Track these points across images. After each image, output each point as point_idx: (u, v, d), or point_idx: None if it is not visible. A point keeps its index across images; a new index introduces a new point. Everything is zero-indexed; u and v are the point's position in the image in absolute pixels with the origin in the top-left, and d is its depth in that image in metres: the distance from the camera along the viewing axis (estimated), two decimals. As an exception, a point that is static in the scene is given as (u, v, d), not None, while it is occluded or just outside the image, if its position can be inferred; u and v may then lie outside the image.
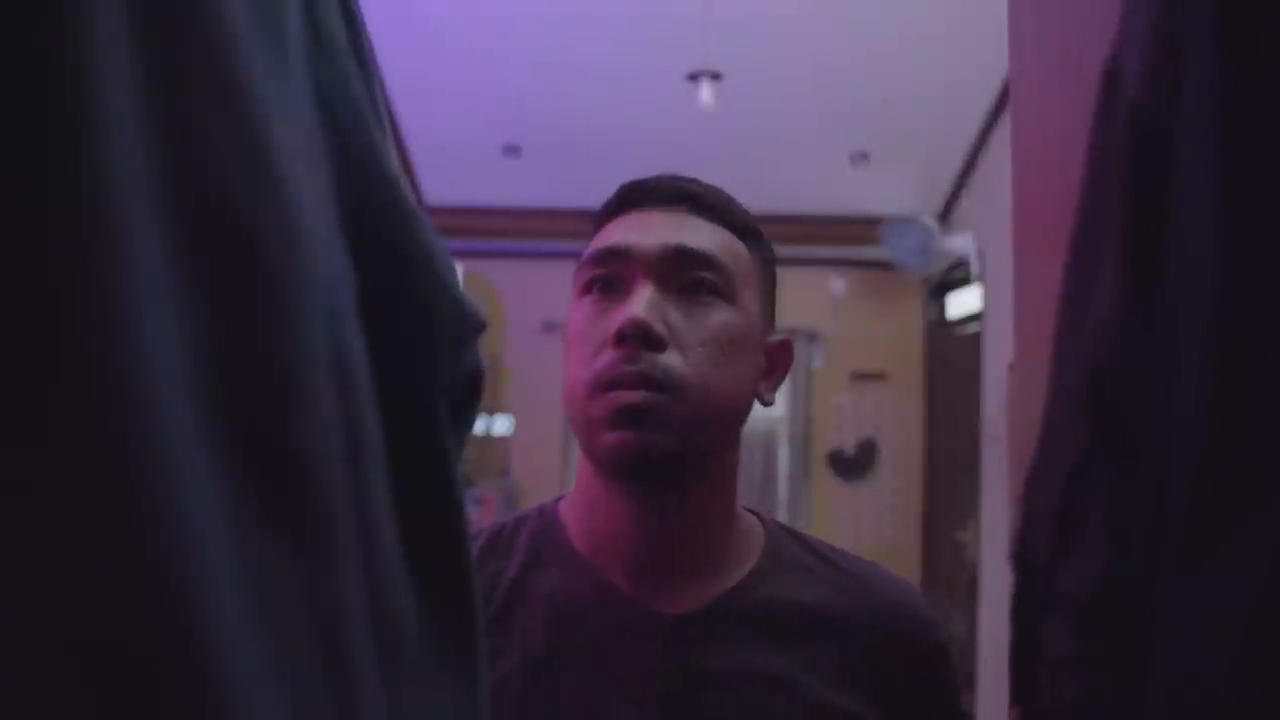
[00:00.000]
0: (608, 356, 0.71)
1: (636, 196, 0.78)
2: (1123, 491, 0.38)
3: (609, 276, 0.75)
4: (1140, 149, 0.40)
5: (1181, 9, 0.38)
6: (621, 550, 0.75)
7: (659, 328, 0.71)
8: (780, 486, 5.05)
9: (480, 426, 5.04)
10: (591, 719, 0.72)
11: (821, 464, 5.06)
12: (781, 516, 3.62)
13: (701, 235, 0.75)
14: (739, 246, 0.77)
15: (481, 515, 4.21)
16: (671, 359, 0.71)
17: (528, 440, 4.94)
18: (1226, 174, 0.35)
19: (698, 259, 0.74)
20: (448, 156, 4.30)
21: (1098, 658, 0.39)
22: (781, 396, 5.05)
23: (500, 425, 5.06)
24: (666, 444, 0.70)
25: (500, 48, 3.59)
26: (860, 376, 5.07)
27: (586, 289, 0.77)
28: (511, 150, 4.23)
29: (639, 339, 0.70)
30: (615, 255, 0.75)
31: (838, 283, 5.05)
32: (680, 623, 0.73)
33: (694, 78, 3.39)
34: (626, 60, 3.61)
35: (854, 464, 5.05)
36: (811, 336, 5.07)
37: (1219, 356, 0.35)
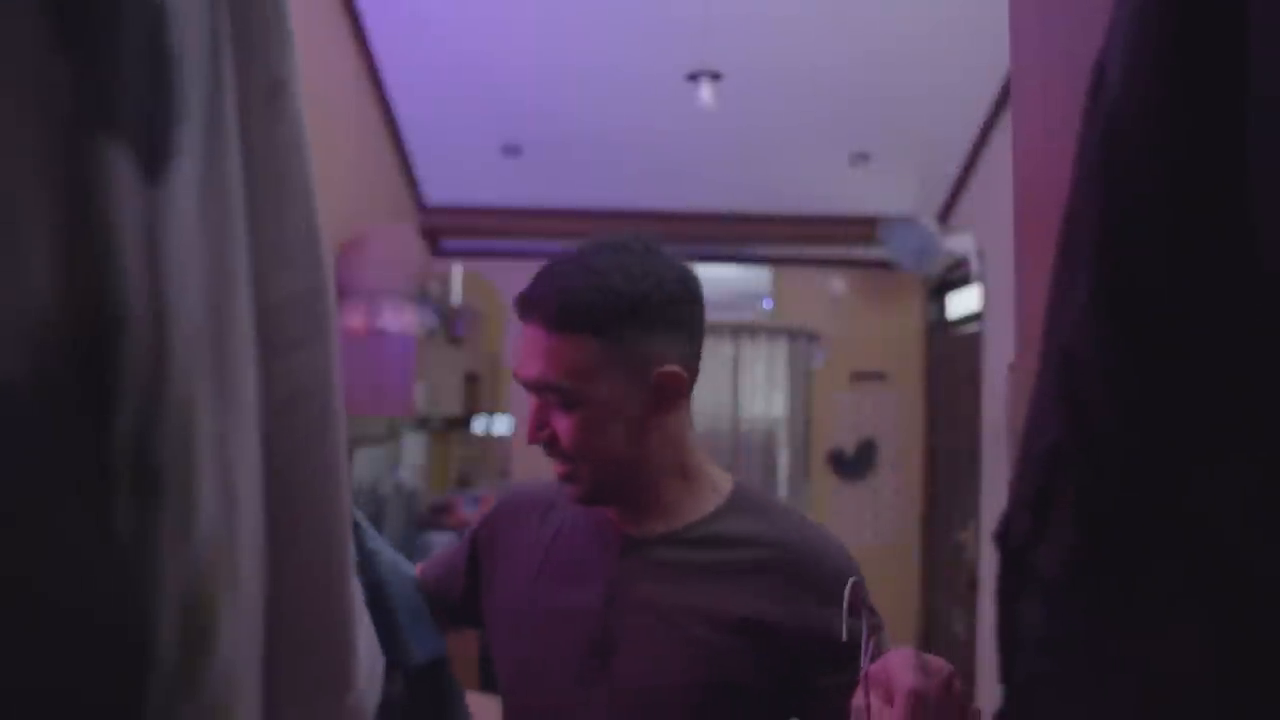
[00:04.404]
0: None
1: (524, 309, 1.01)
2: (1087, 478, 0.40)
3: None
4: (1115, 149, 0.41)
5: (1158, 13, 0.39)
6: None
7: (543, 434, 1.01)
8: (780, 486, 5.05)
9: (480, 426, 5.04)
10: (569, 594, 1.05)
11: (821, 464, 5.06)
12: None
13: (554, 360, 0.98)
14: (590, 347, 0.98)
15: (480, 516, 4.19)
16: (559, 448, 1.01)
17: (528, 440, 4.94)
18: (1191, 177, 0.36)
19: (552, 388, 0.99)
20: (448, 156, 4.31)
21: (1064, 638, 0.41)
22: (781, 396, 5.07)
23: (500, 425, 5.06)
24: (590, 492, 1.03)
25: (500, 48, 3.59)
26: (860, 376, 5.07)
27: None
28: (511, 150, 4.23)
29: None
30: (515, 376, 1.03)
31: (838, 283, 5.05)
32: (634, 539, 1.05)
33: (693, 78, 3.38)
34: (626, 60, 3.61)
35: (854, 464, 5.06)
36: (811, 336, 5.07)
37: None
